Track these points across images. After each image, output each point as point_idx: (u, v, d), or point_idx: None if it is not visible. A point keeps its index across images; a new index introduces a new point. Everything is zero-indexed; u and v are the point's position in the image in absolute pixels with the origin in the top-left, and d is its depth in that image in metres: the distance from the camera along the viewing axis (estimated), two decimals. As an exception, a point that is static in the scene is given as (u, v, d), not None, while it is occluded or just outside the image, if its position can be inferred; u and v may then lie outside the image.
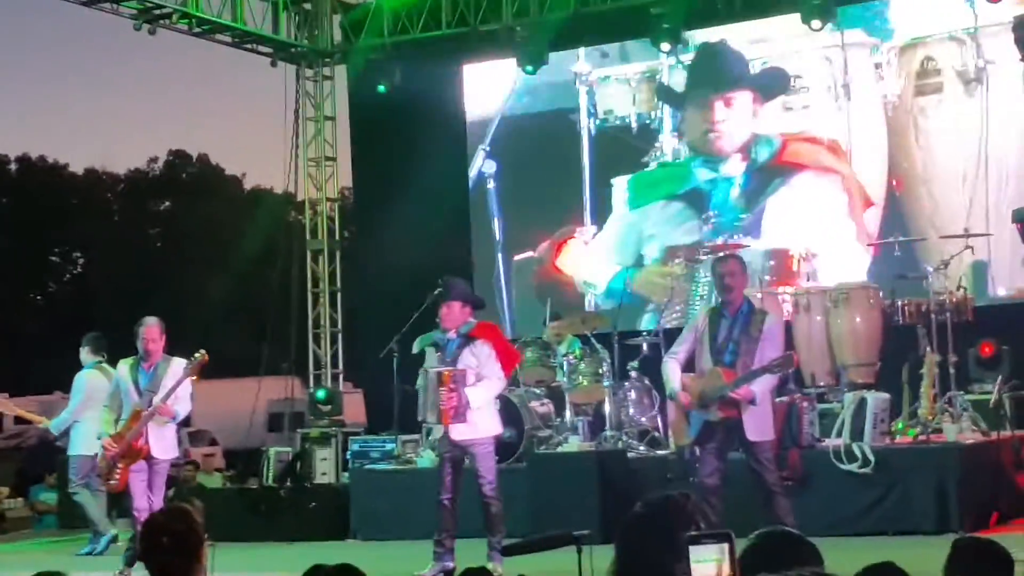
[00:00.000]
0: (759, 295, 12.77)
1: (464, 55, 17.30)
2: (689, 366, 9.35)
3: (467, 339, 9.62)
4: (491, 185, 16.97)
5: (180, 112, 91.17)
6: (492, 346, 9.67)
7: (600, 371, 12.88)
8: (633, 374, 12.98)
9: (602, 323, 13.71)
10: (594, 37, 16.51)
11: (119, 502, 14.25)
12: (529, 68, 16.32)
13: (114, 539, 12.58)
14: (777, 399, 11.25)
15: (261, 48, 17.78)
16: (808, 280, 13.89)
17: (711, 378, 9.08)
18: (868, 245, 14.64)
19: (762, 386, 9.02)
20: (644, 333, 13.93)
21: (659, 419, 12.47)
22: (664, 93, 16.26)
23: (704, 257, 13.67)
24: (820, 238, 14.81)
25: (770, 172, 15.56)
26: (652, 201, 16.24)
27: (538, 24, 16.17)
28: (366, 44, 17.38)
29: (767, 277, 13.95)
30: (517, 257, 16.55)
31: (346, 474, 13.52)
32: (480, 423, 9.60)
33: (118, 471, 10.16)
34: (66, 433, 13.08)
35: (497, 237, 16.73)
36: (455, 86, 17.46)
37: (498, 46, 16.72)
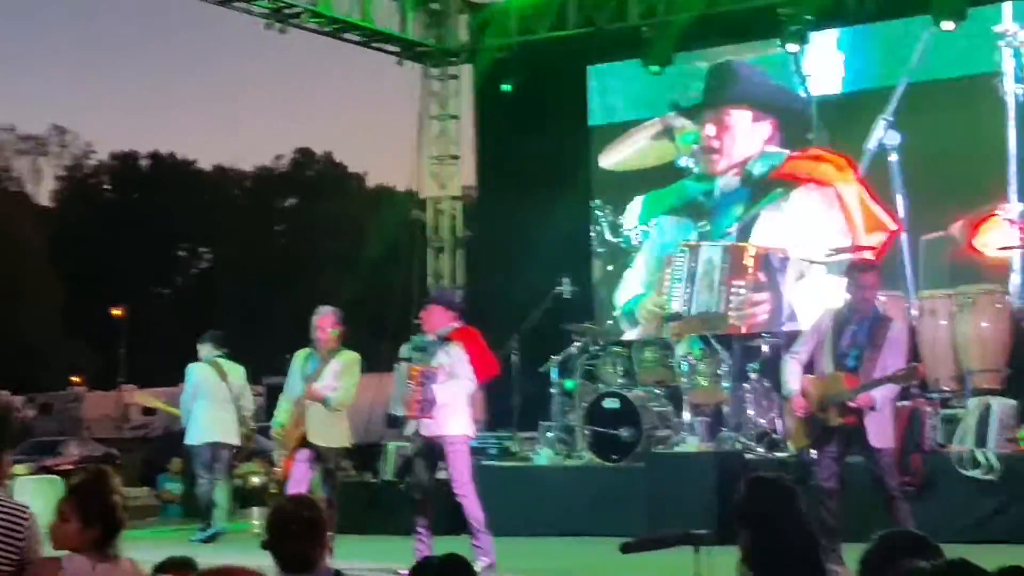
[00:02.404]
0: (883, 298, 12.64)
1: (590, 55, 17.31)
2: (809, 367, 9.27)
3: (444, 340, 9.82)
4: (893, 158, 15.16)
5: (306, 110, 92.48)
6: (465, 348, 9.85)
7: (719, 372, 12.85)
8: (753, 376, 12.93)
9: (723, 325, 13.67)
10: (721, 37, 16.40)
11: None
12: (655, 68, 16.29)
13: (216, 534, 12.84)
14: (900, 404, 11.14)
15: (388, 47, 17.96)
16: (801, 277, 14.65)
17: (832, 382, 8.99)
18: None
19: (883, 393, 8.91)
20: (764, 335, 13.85)
21: (778, 421, 12.40)
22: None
23: (829, 259, 13.69)
24: (817, 248, 14.79)
25: (766, 186, 15.71)
26: (656, 216, 16.49)
27: (665, 24, 16.14)
28: (492, 44, 17.47)
29: (720, 272, 14.77)
30: (926, 237, 14.66)
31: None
32: (450, 421, 9.73)
33: (282, 458, 10.39)
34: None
35: (900, 214, 15.08)
36: (580, 85, 17.46)
37: (624, 46, 16.69)
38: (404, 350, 10.27)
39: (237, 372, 13.34)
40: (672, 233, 16.26)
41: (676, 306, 15.10)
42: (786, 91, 15.90)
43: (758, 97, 16.05)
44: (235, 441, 13.33)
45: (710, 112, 16.17)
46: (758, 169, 15.77)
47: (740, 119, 16.03)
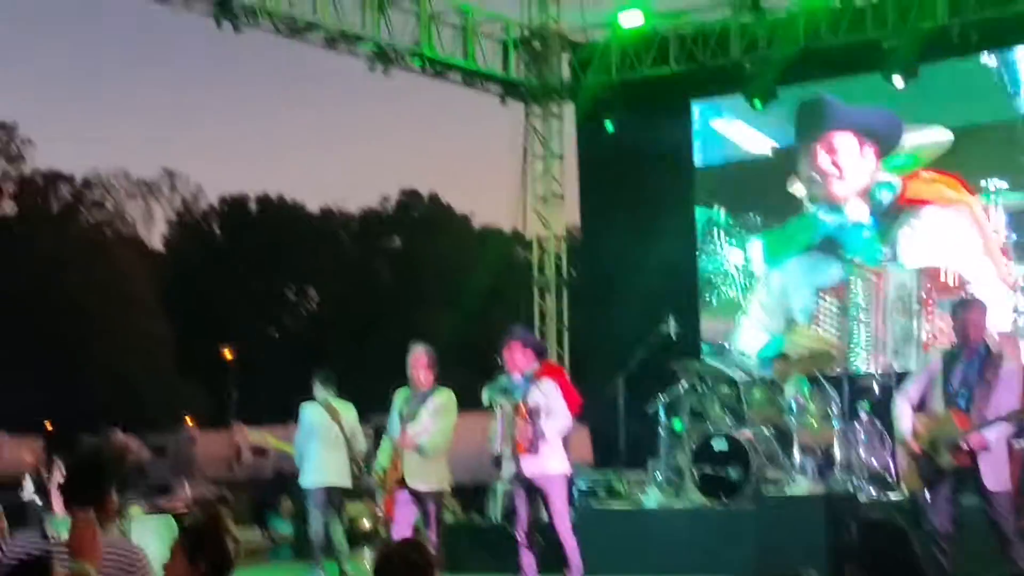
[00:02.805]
0: (995, 336, 12.40)
1: (692, 92, 17.27)
2: (921, 407, 9.11)
3: (533, 379, 9.80)
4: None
5: (411, 151, 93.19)
6: (558, 384, 9.85)
7: (829, 412, 12.68)
8: (864, 416, 12.74)
9: (831, 362, 13.48)
10: (824, 71, 16.30)
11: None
12: (758, 103, 16.20)
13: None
14: (1017, 445, 10.89)
15: (491, 86, 18.07)
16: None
17: (944, 423, 8.81)
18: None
19: (997, 434, 8.72)
20: (873, 374, 13.65)
21: (890, 461, 12.19)
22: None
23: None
24: (960, 271, 14.77)
25: (895, 212, 15.51)
26: (789, 256, 16.18)
27: (767, 60, 16.06)
28: (594, 82, 17.52)
29: (921, 295, 14.29)
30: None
31: (572, 511, 13.56)
32: (550, 460, 9.73)
33: (384, 500, 10.40)
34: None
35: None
36: (683, 123, 17.41)
37: (726, 82, 16.63)
38: (486, 394, 10.20)
39: (350, 412, 13.35)
40: (802, 271, 16.05)
41: (862, 336, 14.78)
42: (883, 114, 15.70)
43: (856, 123, 15.87)
44: (347, 483, 13.36)
45: (813, 141, 16.00)
46: (882, 194, 15.58)
47: (848, 142, 15.85)
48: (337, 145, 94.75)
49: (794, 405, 12.74)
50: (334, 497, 13.29)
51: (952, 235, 15.14)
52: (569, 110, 18.46)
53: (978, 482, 8.70)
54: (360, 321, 58.54)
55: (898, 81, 15.31)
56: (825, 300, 15.70)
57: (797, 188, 16.12)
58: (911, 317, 14.91)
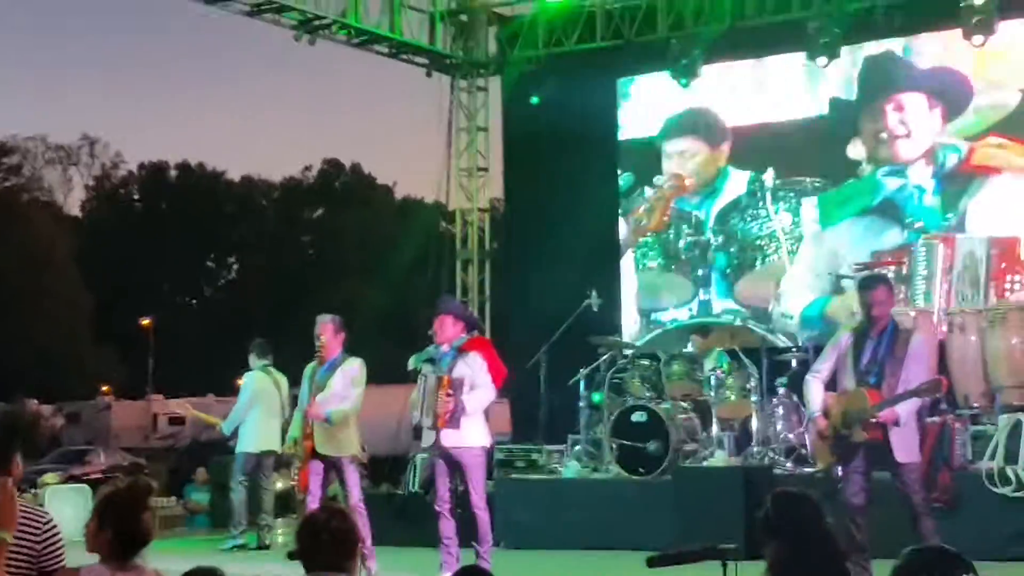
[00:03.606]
0: (912, 313, 12.60)
1: (618, 68, 17.31)
2: (832, 384, 9.24)
3: (460, 351, 9.81)
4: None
5: (334, 121, 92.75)
6: (483, 357, 9.84)
7: (748, 386, 12.82)
8: (781, 390, 12.89)
9: (750, 338, 13.62)
10: (749, 51, 16.39)
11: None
12: (683, 81, 16.27)
13: (242, 546, 12.93)
14: (929, 420, 11.08)
15: (417, 59, 18.01)
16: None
17: (855, 399, 8.94)
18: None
19: (907, 408, 8.85)
20: (793, 348, 13.81)
21: (806, 436, 12.34)
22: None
23: (857, 274, 13.50)
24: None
25: (961, 178, 15.13)
26: (843, 219, 15.83)
27: (693, 37, 16.12)
28: (521, 56, 17.50)
29: (987, 266, 13.78)
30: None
31: (491, 482, 13.61)
32: (470, 433, 9.76)
33: (298, 471, 10.43)
34: (235, 432, 13.41)
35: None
36: (609, 99, 17.45)
37: (653, 58, 16.68)
38: (412, 361, 10.21)
39: (284, 382, 13.46)
40: (858, 234, 15.67)
41: (922, 305, 14.21)
42: (952, 75, 15.27)
43: (925, 82, 15.50)
44: (279, 449, 13.46)
45: (881, 100, 15.66)
46: (948, 158, 15.20)
47: (917, 101, 15.50)
48: (260, 114, 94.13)
49: (713, 379, 12.86)
50: (267, 463, 13.37)
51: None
52: (495, 84, 18.44)
53: (889, 456, 8.85)
54: (281, 291, 58.21)
55: (821, 61, 15.40)
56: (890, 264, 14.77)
57: (856, 149, 15.81)
58: (979, 288, 14.37)
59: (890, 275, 13.11)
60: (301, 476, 10.48)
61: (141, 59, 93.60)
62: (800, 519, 4.69)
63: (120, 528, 4.99)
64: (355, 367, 10.42)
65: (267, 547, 13.08)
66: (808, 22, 15.36)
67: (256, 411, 13.19)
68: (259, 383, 13.30)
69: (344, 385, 10.38)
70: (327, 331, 10.46)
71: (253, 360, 13.44)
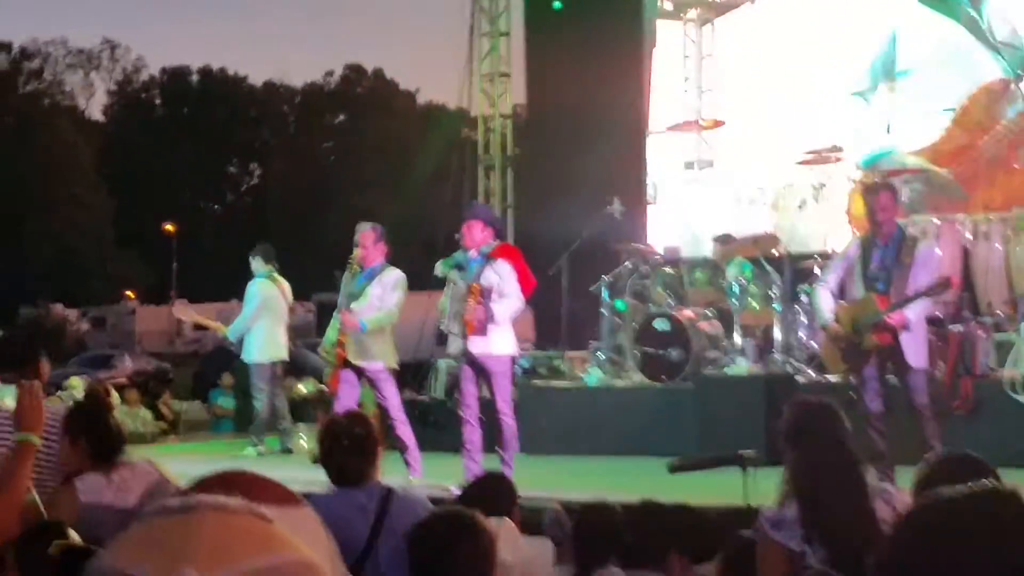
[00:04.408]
0: (936, 220, 12.55)
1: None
2: (841, 293, 9.27)
3: (488, 258, 9.71)
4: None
5: (356, 27, 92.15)
6: (512, 266, 9.76)
7: (770, 294, 12.81)
8: (803, 298, 12.87)
9: (774, 244, 13.58)
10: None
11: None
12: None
13: (262, 453, 13.02)
14: (952, 327, 11.08)
15: (439, -38, 17.87)
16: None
17: (865, 305, 8.99)
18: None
19: (917, 311, 8.92)
20: (815, 256, 13.78)
21: (818, 344, 12.35)
22: None
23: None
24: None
25: None
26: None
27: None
28: (543, -40, 17.31)
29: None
30: None
31: (514, 389, 13.67)
32: (498, 341, 9.69)
33: (330, 376, 10.37)
34: (242, 340, 13.38)
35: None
36: (633, 3, 17.27)
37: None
38: (439, 267, 10.13)
39: (288, 288, 13.44)
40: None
41: None
42: None
43: None
44: (287, 357, 13.50)
45: None
46: None
47: None
48: (282, 19, 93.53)
49: (735, 287, 12.85)
50: (280, 371, 13.41)
51: None
52: (517, -12, 18.28)
53: (899, 360, 8.89)
54: (303, 197, 58.25)
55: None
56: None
57: None
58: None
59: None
60: (332, 381, 10.42)
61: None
62: (818, 428, 4.72)
63: (90, 436, 5.11)
64: (394, 276, 10.21)
65: (289, 451, 13.18)
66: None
67: (264, 320, 13.08)
68: (266, 290, 13.18)
69: (381, 295, 10.19)
70: (367, 239, 10.22)
71: (257, 265, 13.29)
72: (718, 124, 16.26)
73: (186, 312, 16.19)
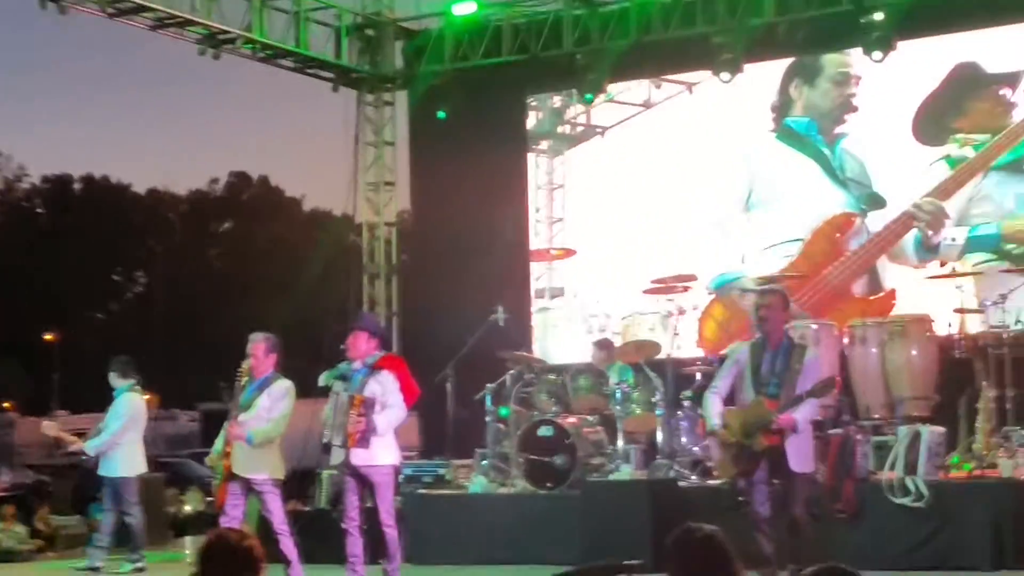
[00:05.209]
0: (814, 326, 12.76)
1: (525, 83, 17.37)
2: (730, 401, 9.40)
3: (372, 369, 9.77)
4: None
5: (241, 135, 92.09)
6: (396, 376, 9.80)
7: (653, 399, 12.90)
8: (686, 403, 12.98)
9: (655, 351, 13.69)
10: (655, 67, 16.51)
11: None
12: (588, 97, 16.36)
13: (141, 569, 12.76)
14: (831, 431, 11.24)
15: (323, 73, 17.95)
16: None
17: (755, 408, 9.14)
18: (928, 277, 14.35)
19: (805, 414, 9.10)
20: (698, 361, 13.91)
21: (709, 450, 12.44)
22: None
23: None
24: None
25: None
26: None
27: (599, 52, 16.20)
28: (427, 70, 17.50)
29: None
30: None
31: (399, 498, 13.56)
32: (380, 452, 9.72)
33: (216, 488, 10.21)
34: (98, 456, 13.04)
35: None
36: (515, 113, 17.50)
37: (559, 74, 16.76)
38: (323, 378, 10.09)
39: (146, 400, 13.39)
40: None
41: None
42: None
43: None
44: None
45: None
46: None
47: None
48: (165, 127, 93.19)
49: (618, 393, 12.92)
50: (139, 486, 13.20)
51: None
52: (402, 97, 18.42)
53: (784, 464, 9.01)
54: (190, 305, 57.66)
55: (725, 77, 15.54)
56: None
57: None
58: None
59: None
60: (219, 495, 10.26)
61: (42, 71, 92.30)
62: (705, 564, 4.66)
63: None
64: (283, 387, 10.13)
65: (96, 569, 12.84)
66: (713, 37, 15.49)
67: (131, 433, 12.90)
68: (134, 405, 13.01)
69: (269, 406, 10.08)
70: (259, 350, 10.15)
71: (116, 379, 13.05)
72: (569, 253, 16.50)
73: (51, 427, 15.90)
